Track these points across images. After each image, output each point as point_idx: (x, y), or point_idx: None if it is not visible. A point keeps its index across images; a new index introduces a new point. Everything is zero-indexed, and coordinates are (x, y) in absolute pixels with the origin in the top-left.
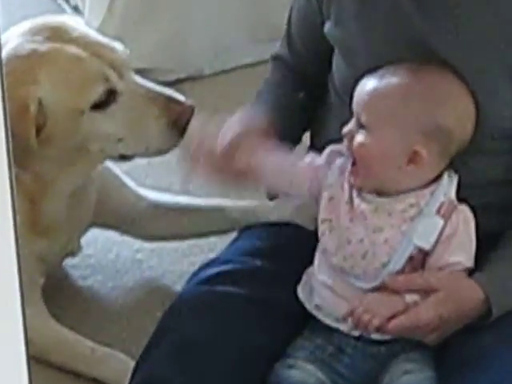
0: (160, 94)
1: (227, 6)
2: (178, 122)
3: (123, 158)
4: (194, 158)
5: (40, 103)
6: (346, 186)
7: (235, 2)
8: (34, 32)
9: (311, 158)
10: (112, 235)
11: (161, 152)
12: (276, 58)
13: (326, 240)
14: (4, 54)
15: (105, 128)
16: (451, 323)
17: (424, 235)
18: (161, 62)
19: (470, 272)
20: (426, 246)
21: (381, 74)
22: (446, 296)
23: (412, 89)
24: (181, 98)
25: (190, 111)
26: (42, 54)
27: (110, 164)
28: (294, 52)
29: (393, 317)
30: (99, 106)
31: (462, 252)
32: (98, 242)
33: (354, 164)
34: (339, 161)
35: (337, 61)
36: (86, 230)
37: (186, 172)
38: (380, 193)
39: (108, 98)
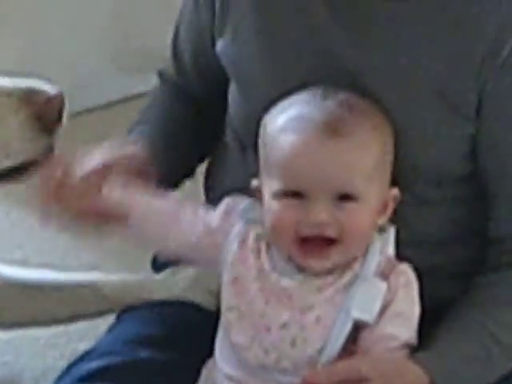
0: (17, 86)
1: (87, 31)
2: (44, 116)
3: None
4: (43, 192)
5: None
6: (252, 260)
7: (96, 25)
8: None
9: (205, 213)
10: None
11: (27, 159)
12: (162, 76)
13: (234, 332)
14: None
15: None
16: None
17: (364, 304)
18: None
19: (413, 350)
20: (369, 319)
21: (323, 118)
22: None
23: (371, 120)
24: (45, 87)
25: (59, 101)
26: None
27: None
28: (184, 76)
29: None
30: None
31: (402, 323)
32: None
33: (320, 244)
34: (238, 227)
35: (232, 92)
36: None
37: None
38: (301, 268)
39: None
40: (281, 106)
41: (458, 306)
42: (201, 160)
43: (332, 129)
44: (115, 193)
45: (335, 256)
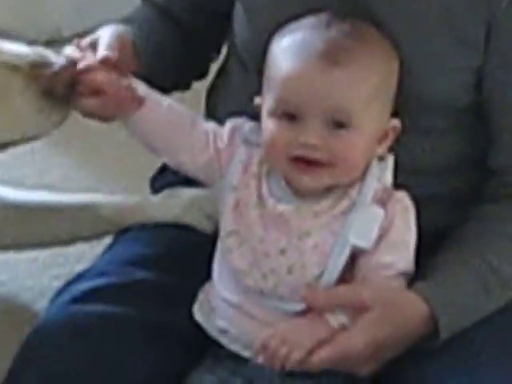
0: (27, 55)
1: None
2: (52, 91)
3: None
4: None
5: None
6: (253, 185)
7: None
8: None
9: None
10: None
11: (38, 135)
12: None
13: (234, 257)
14: None
15: None
16: (389, 349)
17: (362, 231)
18: (10, 23)
19: (410, 279)
20: (366, 245)
21: (323, 44)
22: (381, 316)
23: (376, 55)
24: (52, 57)
25: (67, 74)
26: None
27: None
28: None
29: (317, 346)
30: None
31: (398, 251)
32: None
33: (312, 164)
34: (241, 151)
35: (237, 16)
36: None
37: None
38: (296, 191)
39: None
40: (288, 28)
41: (457, 236)
42: (191, 78)
43: (331, 57)
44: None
45: (327, 178)
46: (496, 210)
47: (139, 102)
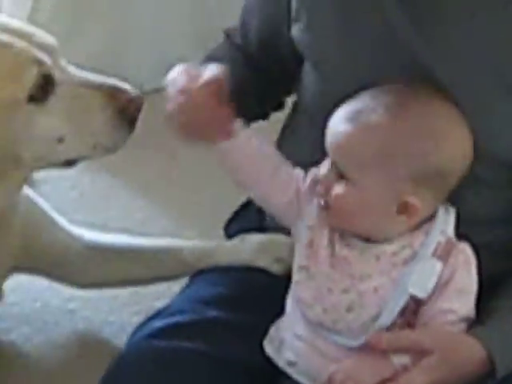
0: (103, 83)
1: (171, 14)
2: (126, 112)
3: (66, 164)
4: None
5: None
6: (327, 230)
7: (179, 9)
8: None
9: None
10: (39, 281)
11: (110, 149)
12: (229, 37)
13: (301, 290)
14: None
15: (44, 125)
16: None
17: (420, 282)
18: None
19: (470, 323)
20: (423, 295)
21: (356, 109)
22: (441, 359)
23: (396, 129)
24: (127, 86)
25: (139, 101)
26: None
27: (36, 198)
28: (250, 49)
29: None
30: (36, 98)
31: (460, 299)
32: (23, 289)
33: (326, 208)
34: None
35: (307, 72)
36: (7, 274)
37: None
38: (365, 238)
39: (45, 89)
40: (349, 105)
41: (511, 282)
42: (268, 111)
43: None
44: (226, 110)
45: (334, 223)
46: None
47: (231, 132)
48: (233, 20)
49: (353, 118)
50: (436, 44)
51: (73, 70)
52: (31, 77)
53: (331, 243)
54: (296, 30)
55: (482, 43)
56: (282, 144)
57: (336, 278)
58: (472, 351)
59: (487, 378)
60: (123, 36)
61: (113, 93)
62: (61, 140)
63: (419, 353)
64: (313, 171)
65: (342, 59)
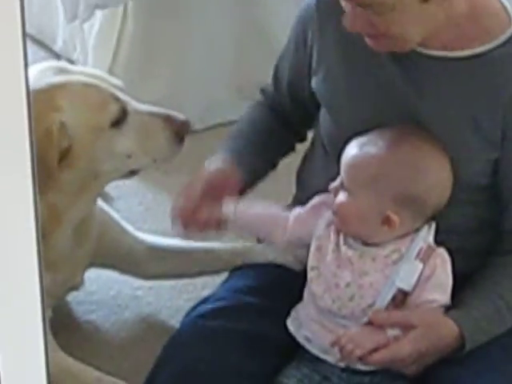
0: (160, 112)
1: (218, 65)
2: (179, 133)
3: (130, 173)
4: (173, 216)
5: (64, 127)
6: (333, 236)
7: (225, 64)
8: (43, 71)
9: (297, 211)
10: (113, 274)
11: (165, 160)
12: (264, 92)
13: (314, 285)
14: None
15: (121, 144)
16: (428, 356)
17: (405, 278)
18: None
19: (447, 308)
20: (407, 288)
21: (363, 142)
22: (424, 332)
23: (388, 160)
24: (177, 114)
25: (188, 124)
26: (58, 84)
27: (109, 210)
28: (280, 96)
29: (376, 349)
30: (115, 124)
31: (439, 291)
32: (101, 280)
33: (334, 214)
34: (326, 214)
35: (323, 115)
36: (86, 267)
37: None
38: (364, 241)
39: (121, 118)
40: (357, 140)
41: (480, 279)
42: (281, 159)
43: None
44: (227, 206)
45: (337, 223)
46: (508, 260)
47: (221, 224)
48: (268, 74)
49: (360, 146)
50: (425, 97)
51: (138, 104)
52: (113, 110)
53: (337, 247)
54: (315, 82)
55: (460, 99)
56: (302, 172)
57: (341, 275)
58: (448, 328)
59: (457, 351)
60: (180, 84)
61: (168, 118)
62: (130, 156)
63: (407, 327)
64: (321, 196)
65: (349, 106)
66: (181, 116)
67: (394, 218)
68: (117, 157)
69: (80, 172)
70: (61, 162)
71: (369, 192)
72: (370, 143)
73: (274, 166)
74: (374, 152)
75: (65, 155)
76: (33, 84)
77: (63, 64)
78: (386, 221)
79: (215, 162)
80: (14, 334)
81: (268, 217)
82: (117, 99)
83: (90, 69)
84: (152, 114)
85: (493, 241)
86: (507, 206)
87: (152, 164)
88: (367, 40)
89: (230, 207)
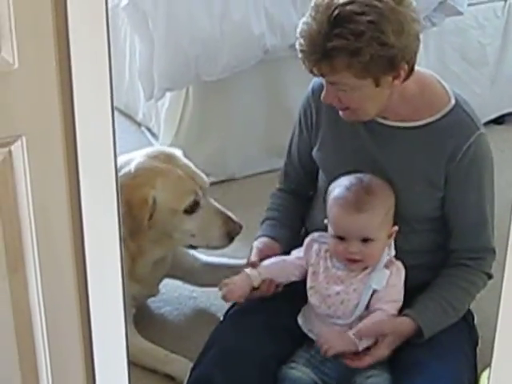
0: (223, 212)
1: (253, 132)
2: (231, 233)
3: (192, 247)
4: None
5: (154, 201)
6: (322, 263)
7: (258, 132)
8: (155, 155)
9: (295, 253)
10: (177, 282)
11: (215, 249)
12: (278, 190)
13: (312, 299)
14: (134, 165)
15: (187, 226)
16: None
17: (378, 282)
18: (209, 168)
19: (401, 308)
20: (380, 288)
21: (347, 182)
22: (394, 337)
23: (381, 198)
24: (235, 218)
25: (239, 227)
26: (160, 169)
27: None
28: (290, 178)
29: (363, 356)
30: (187, 211)
31: (395, 291)
32: (168, 286)
33: (355, 261)
34: (315, 246)
35: (321, 173)
36: (161, 280)
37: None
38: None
39: (194, 207)
40: (334, 184)
41: (432, 286)
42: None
43: (355, 207)
44: (252, 272)
45: (362, 265)
46: (454, 272)
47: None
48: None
49: (354, 209)
50: (388, 157)
51: (210, 199)
52: (189, 201)
53: (326, 270)
54: (314, 151)
55: (414, 157)
56: (309, 213)
57: (332, 288)
58: (409, 327)
59: (417, 338)
60: (226, 146)
61: (227, 219)
62: (193, 235)
63: (382, 335)
64: (310, 236)
65: (334, 164)
66: (237, 220)
67: (395, 228)
68: (184, 233)
69: (158, 232)
70: (148, 221)
71: (383, 227)
72: (351, 184)
73: (299, 232)
74: (366, 196)
75: (150, 218)
76: (145, 162)
77: (174, 153)
78: (391, 234)
79: (262, 242)
80: (106, 325)
81: (282, 263)
82: (196, 194)
83: (190, 164)
84: (217, 212)
85: (443, 258)
86: (451, 232)
87: (206, 247)
88: (340, 112)
89: (254, 271)
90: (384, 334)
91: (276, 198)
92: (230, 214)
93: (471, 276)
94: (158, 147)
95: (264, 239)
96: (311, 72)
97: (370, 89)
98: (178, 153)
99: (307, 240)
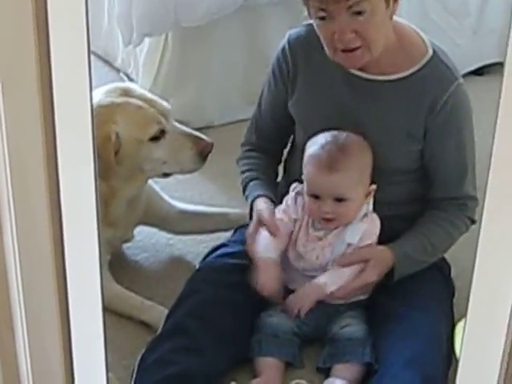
0: (191, 133)
1: (232, 80)
2: (202, 153)
3: (165, 175)
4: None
5: (117, 136)
6: (306, 218)
7: (237, 78)
8: (111, 91)
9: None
10: (153, 229)
11: (190, 172)
12: (250, 150)
13: (289, 254)
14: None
15: (156, 154)
16: (380, 276)
17: (352, 235)
18: (187, 115)
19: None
20: (354, 242)
21: (323, 139)
22: (376, 261)
23: (356, 156)
24: (204, 137)
25: (211, 146)
26: (118, 103)
27: (152, 183)
28: (261, 133)
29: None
30: (153, 139)
31: (371, 236)
32: (144, 233)
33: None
34: (299, 200)
35: (296, 127)
36: (136, 225)
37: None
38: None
39: (159, 135)
40: (310, 142)
41: (414, 224)
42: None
43: (329, 166)
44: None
45: (336, 224)
46: (434, 214)
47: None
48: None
49: (329, 168)
50: (365, 110)
51: (176, 124)
52: (153, 130)
53: (307, 230)
54: (290, 104)
55: (393, 110)
56: (288, 162)
57: (310, 245)
58: (389, 255)
59: (389, 278)
60: (204, 92)
61: (196, 140)
62: (164, 163)
63: (364, 261)
64: (294, 188)
65: (312, 118)
66: (206, 138)
67: (373, 187)
68: (154, 162)
69: (128, 167)
70: (115, 159)
71: (359, 186)
72: (330, 139)
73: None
74: (340, 155)
75: (116, 154)
76: (102, 100)
77: (129, 85)
78: (369, 192)
79: (260, 205)
80: (81, 270)
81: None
82: (159, 122)
83: (148, 93)
84: (184, 134)
85: (420, 208)
86: (433, 182)
87: (180, 172)
88: (341, 58)
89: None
90: (365, 260)
91: (252, 158)
92: (198, 133)
93: (453, 218)
94: (112, 84)
95: (265, 200)
96: (322, 10)
97: (382, 12)
98: (134, 85)
99: (292, 194)
